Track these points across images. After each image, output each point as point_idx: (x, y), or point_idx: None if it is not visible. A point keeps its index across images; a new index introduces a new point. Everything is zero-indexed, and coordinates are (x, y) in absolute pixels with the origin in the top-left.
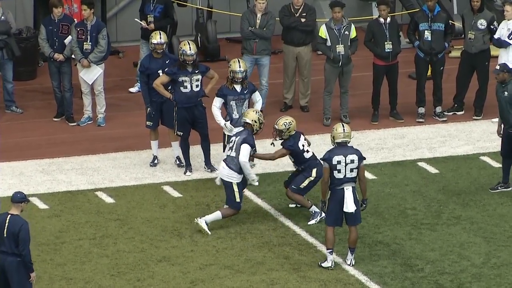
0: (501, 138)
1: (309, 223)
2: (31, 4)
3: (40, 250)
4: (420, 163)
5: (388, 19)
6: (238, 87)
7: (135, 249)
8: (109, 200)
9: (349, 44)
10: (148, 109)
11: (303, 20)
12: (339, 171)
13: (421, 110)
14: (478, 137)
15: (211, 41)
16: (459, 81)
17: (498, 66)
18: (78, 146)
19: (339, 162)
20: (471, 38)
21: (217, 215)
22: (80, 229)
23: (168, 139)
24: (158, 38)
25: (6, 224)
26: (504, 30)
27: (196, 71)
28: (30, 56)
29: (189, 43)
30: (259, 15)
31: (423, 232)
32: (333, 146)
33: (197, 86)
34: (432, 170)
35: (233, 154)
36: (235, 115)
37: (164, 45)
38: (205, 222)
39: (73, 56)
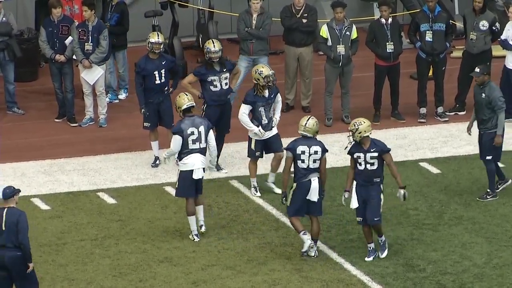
0: (478, 143)
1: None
2: (32, 5)
3: (42, 251)
4: (422, 164)
5: (390, 20)
6: (266, 93)
7: (137, 250)
8: (110, 201)
9: (349, 44)
10: (142, 110)
11: (304, 21)
12: (302, 161)
13: (423, 110)
14: None
15: None
16: (461, 82)
17: (478, 69)
18: (79, 147)
19: (303, 152)
20: (472, 39)
21: (200, 209)
22: (82, 230)
23: (168, 140)
24: (156, 37)
25: (4, 217)
26: (510, 31)
27: (224, 70)
28: (32, 57)
29: (213, 41)
30: (254, 15)
31: (425, 232)
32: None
33: (226, 84)
34: (434, 170)
35: (204, 144)
36: (264, 121)
37: (162, 45)
38: (201, 226)
39: (74, 57)
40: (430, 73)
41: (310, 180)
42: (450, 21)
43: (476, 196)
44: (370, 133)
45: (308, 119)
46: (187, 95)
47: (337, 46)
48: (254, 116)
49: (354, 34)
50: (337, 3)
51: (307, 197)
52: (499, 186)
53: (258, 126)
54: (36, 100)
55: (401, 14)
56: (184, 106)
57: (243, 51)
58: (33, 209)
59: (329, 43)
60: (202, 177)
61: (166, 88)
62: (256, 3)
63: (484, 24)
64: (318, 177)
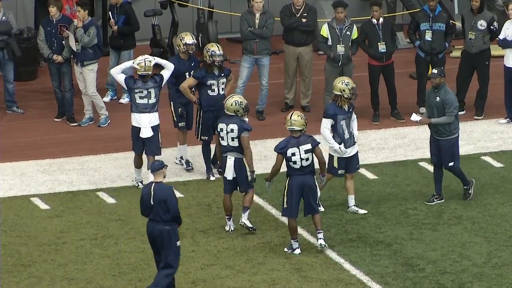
0: (429, 146)
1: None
2: (32, 5)
3: (41, 250)
4: (421, 163)
5: (381, 20)
6: (346, 106)
7: (136, 249)
8: (110, 200)
9: (350, 44)
10: (180, 109)
11: (304, 20)
12: (222, 138)
13: (422, 110)
14: (479, 137)
15: (212, 41)
16: (460, 81)
17: (436, 70)
18: (79, 146)
19: (221, 130)
20: (471, 39)
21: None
22: (81, 229)
23: (168, 139)
24: (191, 38)
25: (152, 192)
26: (509, 30)
27: (222, 74)
28: (31, 56)
29: (216, 45)
30: (257, 15)
31: (424, 232)
32: None
33: (222, 89)
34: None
35: (153, 100)
36: (346, 135)
37: (194, 46)
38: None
39: (72, 56)
40: (429, 72)
41: (226, 157)
42: (450, 21)
43: (476, 195)
44: (291, 127)
45: (232, 100)
46: (145, 64)
47: (337, 45)
48: (336, 132)
49: (354, 34)
50: (338, 3)
51: (224, 174)
52: (434, 200)
53: (340, 143)
54: (36, 99)
55: (400, 13)
56: (139, 73)
57: (246, 51)
58: (32, 209)
59: (329, 42)
60: (154, 136)
61: (193, 90)
62: (259, 2)
63: (482, 24)
64: (236, 157)
